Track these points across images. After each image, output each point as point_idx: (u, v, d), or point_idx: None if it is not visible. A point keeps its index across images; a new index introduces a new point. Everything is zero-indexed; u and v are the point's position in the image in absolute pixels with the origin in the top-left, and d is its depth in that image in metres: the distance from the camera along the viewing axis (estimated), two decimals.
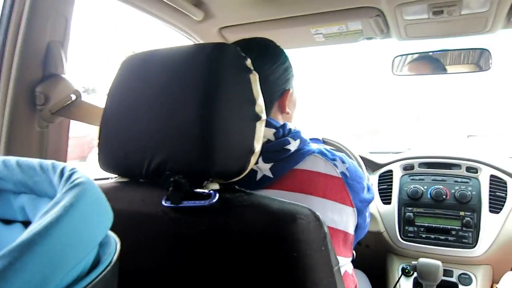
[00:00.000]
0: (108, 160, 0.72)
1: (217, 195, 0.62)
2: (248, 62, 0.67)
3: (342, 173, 0.84)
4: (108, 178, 0.79)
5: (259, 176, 0.81)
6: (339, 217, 0.81)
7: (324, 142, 1.35)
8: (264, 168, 0.80)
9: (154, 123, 0.65)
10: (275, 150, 0.81)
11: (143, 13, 1.25)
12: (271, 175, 0.81)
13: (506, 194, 1.65)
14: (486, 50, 1.48)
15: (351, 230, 0.85)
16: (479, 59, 1.55)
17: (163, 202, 0.63)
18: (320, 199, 0.79)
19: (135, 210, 0.65)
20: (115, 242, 0.39)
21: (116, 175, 0.76)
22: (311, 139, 1.14)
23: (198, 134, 0.61)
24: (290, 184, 0.80)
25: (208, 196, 0.62)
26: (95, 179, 0.81)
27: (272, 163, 0.81)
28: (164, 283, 0.60)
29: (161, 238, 0.61)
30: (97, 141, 0.74)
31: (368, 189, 0.95)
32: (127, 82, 0.71)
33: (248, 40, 0.94)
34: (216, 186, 0.65)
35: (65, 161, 1.10)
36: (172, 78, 0.66)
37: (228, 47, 0.67)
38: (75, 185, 0.32)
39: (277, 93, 0.90)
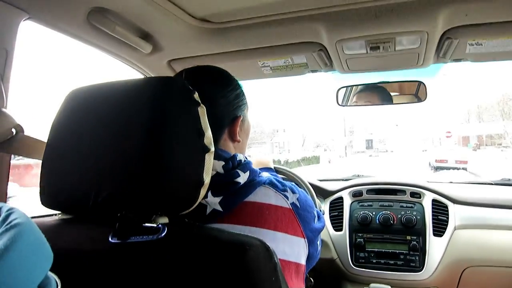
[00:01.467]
0: (51, 196, 0.69)
1: (166, 229, 0.61)
2: (196, 95, 0.67)
3: (293, 204, 0.84)
4: (52, 215, 0.76)
5: (208, 210, 0.79)
6: (291, 249, 0.81)
7: (276, 171, 1.37)
8: (213, 202, 0.78)
9: (99, 157, 0.64)
10: (224, 183, 0.80)
11: (91, 46, 1.24)
12: (220, 209, 0.79)
13: (447, 218, 1.74)
14: (422, 82, 1.60)
15: (303, 261, 0.85)
16: (417, 90, 1.67)
17: (110, 239, 0.60)
18: (271, 231, 0.78)
19: (81, 248, 0.63)
20: (56, 283, 0.38)
21: (60, 212, 0.72)
22: (262, 169, 1.15)
23: (144, 168, 0.60)
24: (240, 218, 0.79)
25: (156, 230, 0.61)
26: (38, 217, 0.77)
27: (221, 197, 0.79)
28: None
29: (108, 276, 0.59)
30: (39, 176, 0.71)
31: (319, 217, 0.96)
32: (71, 115, 0.69)
33: (201, 67, 0.94)
34: (165, 220, 0.64)
35: (4, 200, 1.04)
36: (118, 112, 0.65)
37: (175, 81, 0.68)
38: (12, 227, 0.31)
39: (227, 119, 0.89)
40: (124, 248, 0.60)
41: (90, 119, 0.67)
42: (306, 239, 0.85)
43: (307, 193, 1.24)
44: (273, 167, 1.32)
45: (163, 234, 0.60)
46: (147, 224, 0.62)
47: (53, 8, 1.00)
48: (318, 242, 0.93)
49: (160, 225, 0.61)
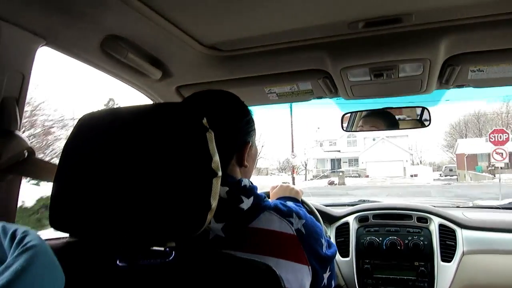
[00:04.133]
0: (60, 218, 0.69)
1: (174, 252, 0.62)
2: (204, 121, 0.69)
3: (298, 230, 0.83)
4: (60, 238, 0.77)
5: (211, 235, 0.79)
6: (293, 277, 0.80)
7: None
8: (216, 228, 0.79)
9: (109, 181, 0.65)
10: (227, 209, 0.80)
11: (103, 72, 1.28)
12: (223, 235, 0.79)
13: (455, 243, 1.72)
14: (425, 108, 1.63)
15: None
16: (421, 116, 1.69)
17: (118, 262, 0.61)
18: (273, 259, 0.78)
19: (89, 272, 0.63)
20: None
21: (69, 235, 0.73)
22: (287, 197, 1.15)
23: (154, 193, 0.62)
24: (242, 244, 0.79)
25: (165, 254, 0.62)
26: (46, 240, 0.78)
27: (223, 223, 0.80)
28: None
29: None
30: (50, 199, 0.73)
31: (329, 244, 0.94)
32: (83, 139, 0.71)
33: (212, 91, 0.96)
34: (172, 244, 0.64)
35: (14, 220, 1.05)
36: (128, 137, 0.66)
37: (184, 107, 0.70)
38: (27, 249, 0.32)
39: (236, 145, 0.90)
40: (132, 272, 0.61)
41: (101, 144, 0.68)
42: (310, 267, 0.83)
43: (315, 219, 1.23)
44: (300, 200, 1.29)
45: (171, 258, 0.61)
46: (155, 248, 0.63)
47: (69, 35, 1.03)
48: (326, 276, 0.90)
49: (168, 249, 0.62)
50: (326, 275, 0.90)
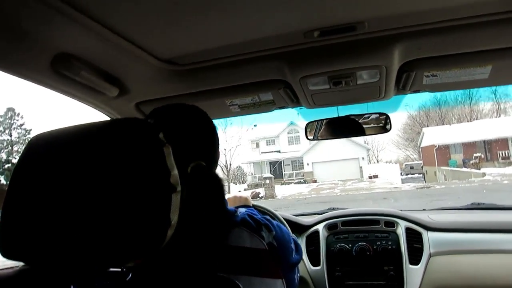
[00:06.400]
0: (12, 246, 0.65)
1: (131, 273, 0.59)
2: (161, 135, 0.67)
3: (270, 244, 0.82)
4: (13, 267, 0.72)
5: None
6: None
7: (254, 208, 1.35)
8: None
9: (62, 204, 0.61)
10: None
11: (56, 92, 1.23)
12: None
13: (422, 245, 1.75)
14: (385, 114, 1.66)
15: None
16: (385, 122, 1.71)
17: (72, 287, 0.59)
18: (245, 277, 0.75)
19: None
20: None
21: (22, 263, 0.69)
22: (239, 206, 1.14)
23: (111, 212, 0.59)
24: (213, 263, 0.75)
25: (122, 274, 0.60)
26: None
27: None
28: None
29: None
30: None
31: (297, 248, 0.94)
32: (33, 163, 0.67)
33: (172, 105, 0.92)
34: (131, 263, 0.61)
35: None
36: (82, 156, 0.64)
37: (140, 122, 0.67)
38: None
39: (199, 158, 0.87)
40: None
41: (52, 165, 0.65)
42: (283, 280, 0.82)
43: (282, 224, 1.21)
44: (251, 205, 1.31)
45: (128, 278, 0.59)
46: (112, 269, 0.60)
47: (15, 56, 0.98)
48: (296, 276, 0.90)
49: (124, 270, 0.60)
50: (296, 276, 0.90)
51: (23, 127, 36.07)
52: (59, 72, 1.06)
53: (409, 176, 31.47)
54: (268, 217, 0.90)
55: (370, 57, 1.17)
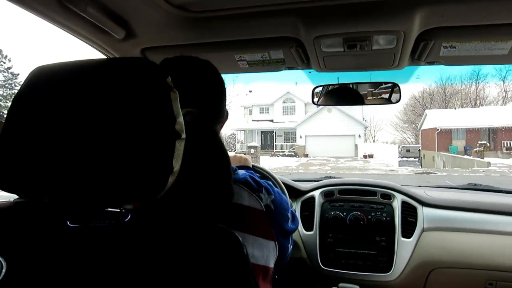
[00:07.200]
0: (7, 178, 0.64)
1: (130, 214, 0.59)
2: (169, 79, 0.65)
3: (267, 206, 0.82)
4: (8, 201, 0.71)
5: None
6: (260, 253, 0.79)
7: (254, 170, 1.35)
8: None
9: (62, 139, 0.60)
10: None
11: (62, 29, 1.18)
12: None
13: (416, 220, 1.76)
14: (396, 84, 1.62)
15: (271, 264, 0.83)
16: (391, 92, 1.68)
17: (69, 223, 0.58)
18: (240, 233, 0.75)
19: (37, 232, 0.59)
20: (1, 266, 0.35)
21: (17, 195, 0.68)
22: (240, 167, 1.13)
23: (112, 152, 0.58)
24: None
25: (120, 215, 0.59)
26: None
27: None
28: None
29: (66, 262, 0.56)
30: None
31: (294, 218, 0.95)
32: (34, 93, 0.65)
33: (185, 57, 0.93)
34: (130, 206, 0.61)
35: None
36: (85, 93, 0.61)
37: (149, 63, 0.65)
38: None
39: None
40: (84, 233, 0.57)
41: (53, 99, 0.63)
42: (276, 242, 0.83)
43: (283, 193, 1.21)
44: (251, 166, 1.30)
45: (126, 219, 0.58)
46: (110, 209, 0.60)
47: None
48: (289, 245, 0.92)
49: (123, 210, 0.59)
50: (290, 245, 0.91)
51: (10, 70, 33.78)
52: (65, 6, 1.02)
53: (404, 159, 30.32)
54: (270, 183, 0.90)
55: (389, 21, 1.13)
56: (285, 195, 1.49)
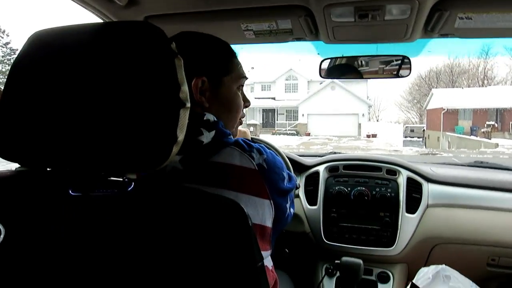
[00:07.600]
0: (8, 146, 0.63)
1: (133, 183, 0.58)
2: (173, 45, 0.62)
3: (259, 165, 0.82)
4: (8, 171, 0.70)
5: (168, 168, 0.78)
6: (255, 211, 0.80)
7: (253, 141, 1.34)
8: (174, 160, 0.77)
9: (63, 106, 0.58)
10: (186, 141, 0.76)
11: None
12: (180, 167, 0.78)
13: (420, 196, 1.76)
14: (407, 57, 1.57)
15: (268, 223, 0.83)
16: (400, 66, 1.64)
17: (70, 191, 0.57)
18: (233, 193, 0.77)
19: (39, 200, 0.58)
20: None
21: (18, 164, 0.67)
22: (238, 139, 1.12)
23: (115, 121, 0.56)
24: (201, 178, 0.78)
25: (123, 184, 0.58)
26: None
27: (181, 155, 0.79)
28: (71, 278, 0.53)
29: (67, 230, 0.55)
30: None
31: (290, 178, 0.94)
32: (34, 59, 0.63)
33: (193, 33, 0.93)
34: (133, 175, 0.60)
35: None
36: (87, 58, 0.59)
37: (151, 27, 0.62)
38: None
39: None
40: (85, 202, 0.56)
41: (54, 64, 0.61)
42: (271, 201, 0.83)
43: (287, 168, 1.19)
44: (250, 138, 1.29)
45: (129, 188, 0.57)
46: (112, 178, 0.59)
47: None
48: (288, 205, 0.91)
49: (126, 179, 0.58)
50: (288, 205, 0.90)
51: (8, 46, 32.99)
52: None
53: (408, 138, 29.82)
54: (262, 145, 0.90)
55: None
56: (290, 169, 1.48)
